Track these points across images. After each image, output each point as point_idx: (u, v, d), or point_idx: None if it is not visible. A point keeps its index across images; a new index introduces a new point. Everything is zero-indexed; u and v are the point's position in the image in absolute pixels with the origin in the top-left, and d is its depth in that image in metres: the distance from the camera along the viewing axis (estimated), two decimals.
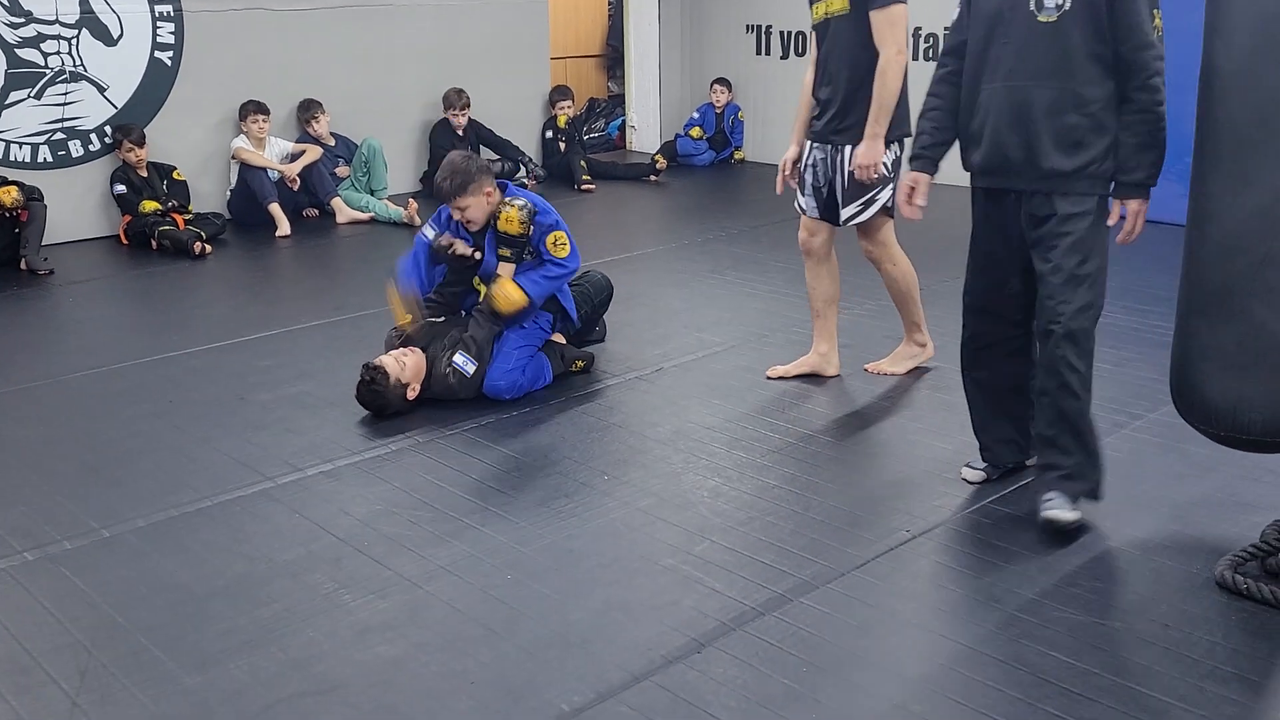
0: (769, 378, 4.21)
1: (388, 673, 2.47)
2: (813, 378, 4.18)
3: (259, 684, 2.44)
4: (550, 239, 4.10)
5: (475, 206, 4.06)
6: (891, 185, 3.85)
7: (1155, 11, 2.85)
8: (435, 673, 2.47)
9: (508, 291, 4.03)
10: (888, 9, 3.70)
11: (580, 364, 4.32)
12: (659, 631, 2.61)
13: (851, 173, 3.84)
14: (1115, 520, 3.10)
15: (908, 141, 3.69)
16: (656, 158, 8.55)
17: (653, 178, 8.42)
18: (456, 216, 4.13)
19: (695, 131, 9.06)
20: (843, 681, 2.42)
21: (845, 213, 3.93)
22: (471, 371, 3.96)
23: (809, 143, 4.01)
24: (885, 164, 3.81)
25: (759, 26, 9.12)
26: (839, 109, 3.86)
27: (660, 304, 5.30)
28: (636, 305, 5.25)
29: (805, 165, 4.02)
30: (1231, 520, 3.07)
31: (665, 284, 5.66)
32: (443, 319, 4.17)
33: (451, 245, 4.07)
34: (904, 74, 3.75)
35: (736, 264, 5.95)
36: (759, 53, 9.14)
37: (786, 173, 4.06)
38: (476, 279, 4.19)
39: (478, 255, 4.11)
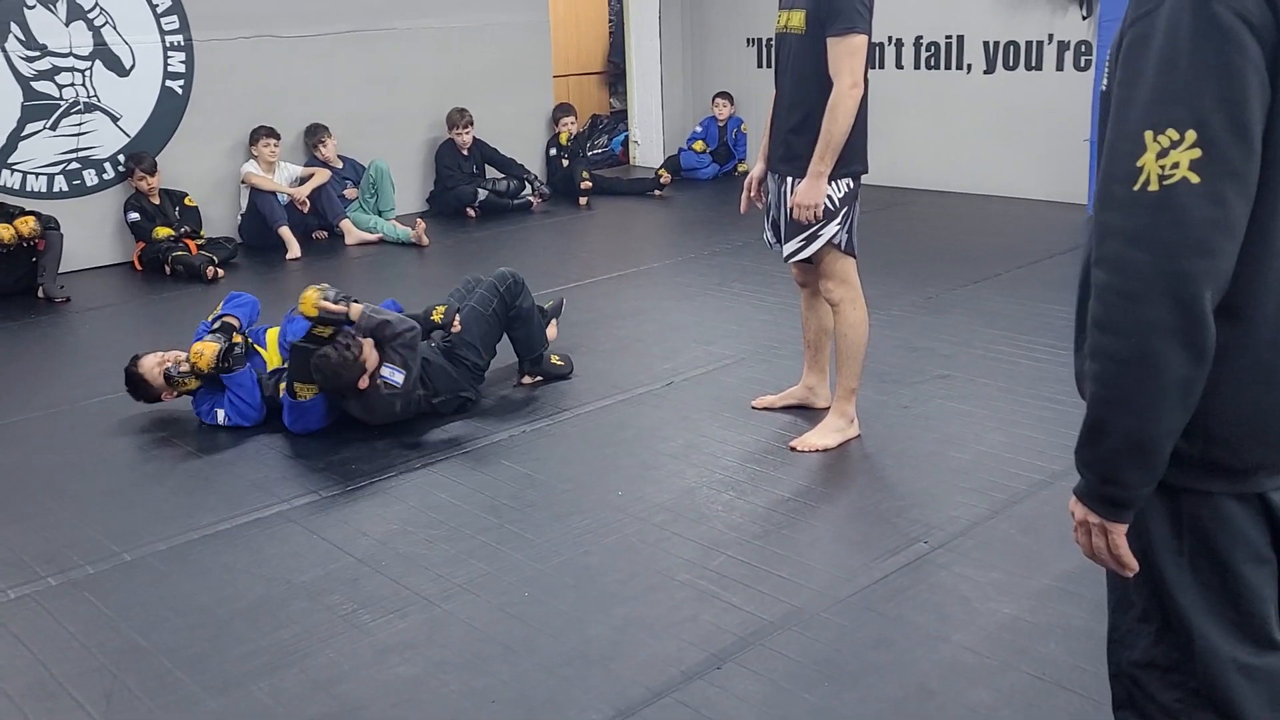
0: (754, 408, 4.09)
1: (409, 692, 2.49)
2: (801, 409, 4.04)
3: (281, 706, 2.46)
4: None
5: None
6: (839, 221, 3.54)
7: None
8: (456, 691, 2.49)
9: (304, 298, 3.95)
10: (847, 37, 3.34)
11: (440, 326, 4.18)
12: (678, 647, 2.62)
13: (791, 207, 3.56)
14: None
15: (863, 178, 3.57)
16: (660, 172, 8.58)
17: (657, 192, 8.45)
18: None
19: (698, 145, 9.10)
20: (863, 695, 2.43)
21: (786, 248, 3.64)
22: (400, 380, 3.88)
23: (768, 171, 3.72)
24: (833, 199, 3.50)
25: (759, 40, 9.17)
26: (785, 137, 3.56)
27: (668, 318, 5.32)
28: (644, 320, 5.28)
29: (768, 194, 3.75)
30: None
31: (672, 298, 5.69)
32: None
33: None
34: (857, 110, 3.40)
35: (743, 276, 5.97)
36: (760, 65, 9.18)
37: (751, 193, 3.78)
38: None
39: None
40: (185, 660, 2.64)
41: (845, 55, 3.37)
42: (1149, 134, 1.29)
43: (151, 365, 4.16)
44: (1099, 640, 2.57)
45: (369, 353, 3.89)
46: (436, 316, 4.15)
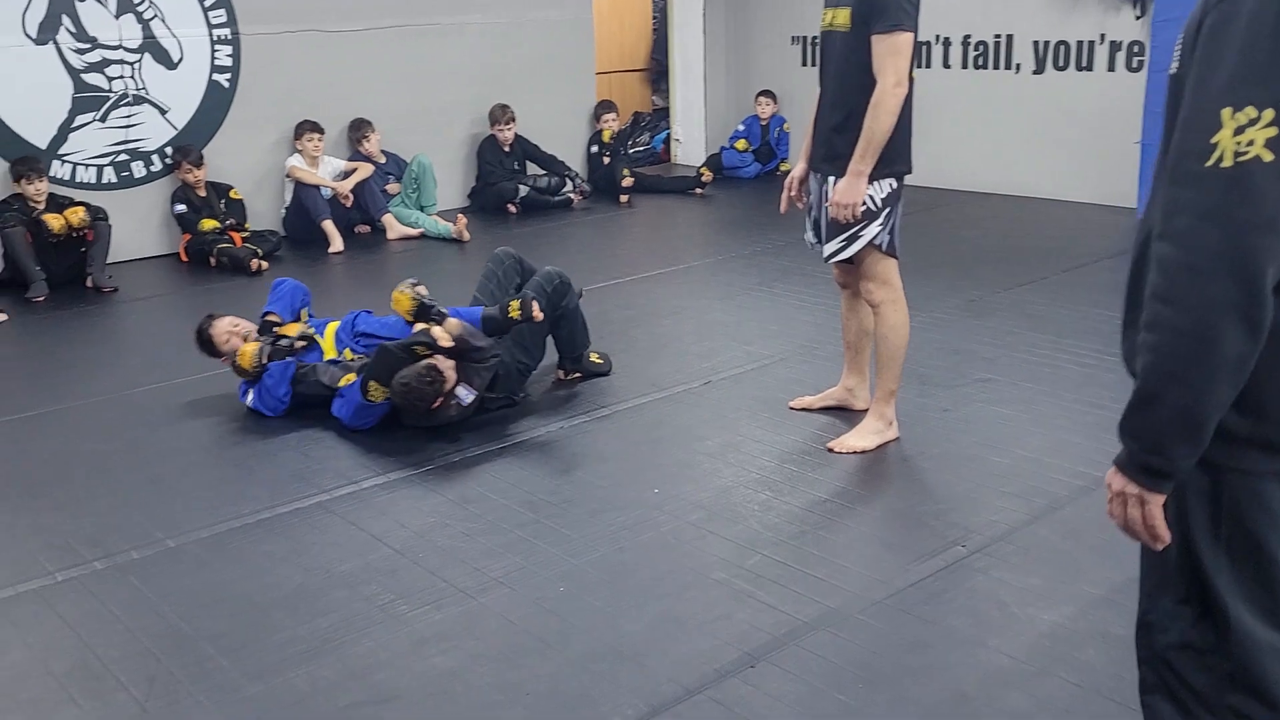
0: (792, 408, 4.06)
1: (444, 683, 2.51)
2: (840, 410, 4.01)
3: (318, 693, 2.49)
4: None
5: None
6: (881, 222, 3.52)
7: None
8: (490, 684, 2.50)
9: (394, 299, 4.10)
10: (892, 35, 3.31)
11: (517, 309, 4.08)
12: (711, 645, 2.62)
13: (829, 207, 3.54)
14: None
15: (906, 178, 3.54)
16: (702, 170, 8.57)
17: (698, 190, 8.44)
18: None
19: (740, 144, 9.08)
20: (898, 698, 2.42)
21: (827, 248, 3.61)
22: (470, 401, 3.91)
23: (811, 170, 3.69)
24: (875, 199, 3.48)
25: (804, 38, 9.13)
26: (827, 136, 3.54)
27: (707, 317, 5.32)
28: (684, 318, 5.28)
29: (809, 193, 3.73)
30: None
31: (712, 297, 5.68)
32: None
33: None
34: (900, 109, 3.37)
35: (784, 276, 5.95)
36: (804, 64, 9.14)
37: (792, 192, 3.75)
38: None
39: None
40: (226, 646, 2.68)
41: (890, 53, 3.34)
42: (1227, 111, 1.31)
43: (222, 330, 4.35)
44: None
45: (449, 375, 3.90)
46: (514, 313, 4.09)
